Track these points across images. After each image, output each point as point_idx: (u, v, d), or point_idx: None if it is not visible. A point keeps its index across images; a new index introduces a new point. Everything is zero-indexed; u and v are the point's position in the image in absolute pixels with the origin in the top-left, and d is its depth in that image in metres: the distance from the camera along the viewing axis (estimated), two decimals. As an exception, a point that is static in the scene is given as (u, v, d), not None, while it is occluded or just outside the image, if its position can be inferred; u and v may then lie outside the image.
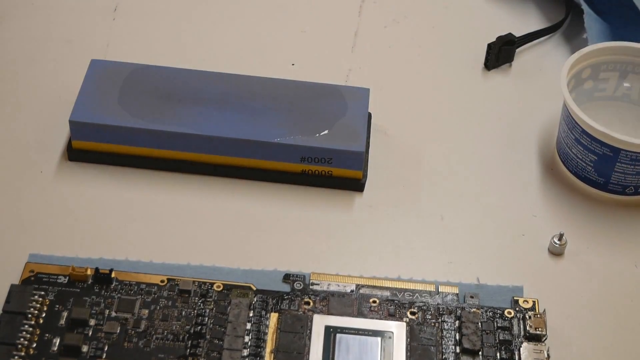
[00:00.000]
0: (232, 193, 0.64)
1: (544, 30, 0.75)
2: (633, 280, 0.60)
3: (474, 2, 0.78)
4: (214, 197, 0.64)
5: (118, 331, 0.54)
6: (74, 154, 0.65)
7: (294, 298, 0.57)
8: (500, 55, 0.72)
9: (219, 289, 0.57)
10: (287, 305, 0.56)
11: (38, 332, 0.54)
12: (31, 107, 0.68)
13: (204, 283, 0.57)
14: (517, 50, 0.73)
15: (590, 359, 0.56)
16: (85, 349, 0.53)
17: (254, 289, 0.57)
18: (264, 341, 0.54)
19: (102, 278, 0.57)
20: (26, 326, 0.54)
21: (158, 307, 0.56)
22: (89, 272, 0.57)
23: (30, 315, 0.54)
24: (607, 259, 0.61)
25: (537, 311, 0.57)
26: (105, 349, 0.54)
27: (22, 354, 0.53)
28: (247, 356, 0.54)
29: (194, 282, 0.57)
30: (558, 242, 0.61)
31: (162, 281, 0.57)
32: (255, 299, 0.56)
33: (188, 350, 0.54)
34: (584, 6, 0.73)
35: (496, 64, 0.73)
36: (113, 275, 0.57)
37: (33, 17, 0.74)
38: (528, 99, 0.71)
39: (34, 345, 0.53)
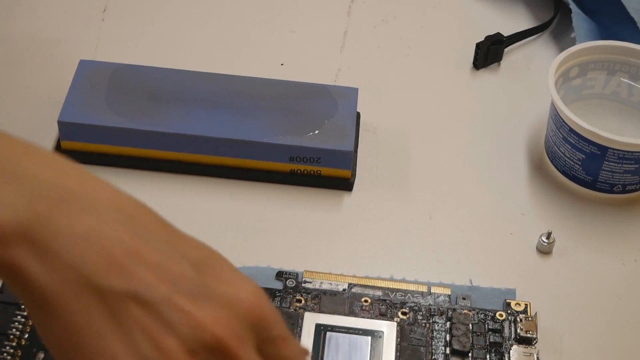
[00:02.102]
0: (221, 193, 0.64)
1: (533, 29, 0.75)
2: (621, 278, 0.61)
3: (462, 2, 0.78)
4: (203, 197, 0.64)
5: None
6: (63, 155, 0.64)
7: (286, 295, 0.57)
8: (488, 54, 0.73)
9: None
10: (278, 303, 0.56)
11: (30, 323, 0.54)
12: (20, 107, 0.68)
13: None
14: (506, 49, 0.74)
15: (578, 356, 0.56)
16: None
17: None
18: None
19: None
20: (19, 317, 0.54)
21: None
22: None
23: (23, 306, 0.54)
24: (595, 257, 0.62)
25: (529, 314, 0.57)
26: None
27: (14, 344, 0.53)
28: None
29: None
30: (546, 240, 0.61)
31: None
32: None
33: None
34: (572, 5, 0.73)
35: (485, 64, 0.73)
36: None
37: (22, 18, 0.74)
38: (516, 98, 0.71)
39: (26, 335, 0.53)
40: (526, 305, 0.57)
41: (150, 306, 0.39)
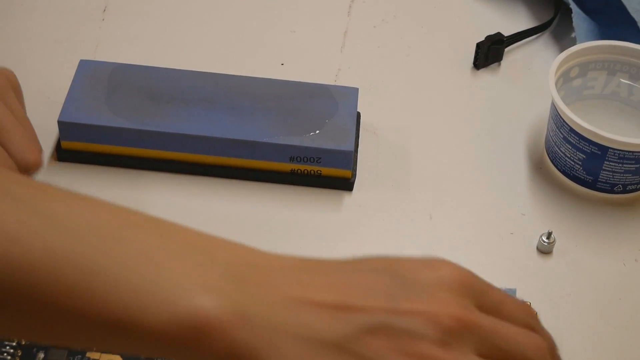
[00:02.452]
0: (221, 193, 0.64)
1: (533, 29, 0.75)
2: (621, 278, 0.61)
3: (462, 1, 0.78)
4: (203, 197, 0.64)
5: None
6: (63, 155, 0.65)
7: None
8: (489, 54, 0.73)
9: None
10: None
11: None
12: (20, 107, 0.68)
13: None
14: (506, 49, 0.74)
15: (578, 356, 0.56)
16: None
17: None
18: None
19: None
20: None
21: None
22: None
23: None
24: (596, 257, 0.62)
25: None
26: None
27: (14, 344, 0.53)
28: None
29: None
30: (546, 240, 0.61)
31: None
32: None
33: None
34: (573, 5, 0.73)
35: (485, 63, 0.73)
36: None
37: (21, 18, 0.74)
38: (517, 98, 0.71)
39: None
40: (527, 304, 0.57)
41: (382, 329, 0.39)
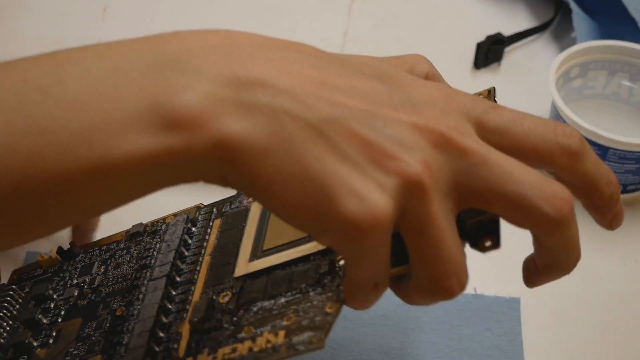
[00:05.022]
0: (221, 192, 0.64)
1: (533, 29, 0.75)
2: (622, 278, 0.60)
3: (462, 1, 0.78)
4: (203, 196, 0.63)
5: (75, 294, 0.52)
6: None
7: (239, 195, 0.53)
8: (489, 54, 0.73)
9: (170, 221, 0.54)
10: (229, 207, 0.53)
11: (10, 323, 0.52)
12: (20, 107, 0.68)
13: (157, 222, 0.54)
14: (506, 49, 0.74)
15: (579, 356, 0.56)
16: (45, 320, 0.51)
17: (202, 206, 0.54)
18: (204, 248, 0.51)
19: (67, 253, 0.55)
20: (4, 324, 0.52)
21: (114, 259, 0.53)
22: (53, 254, 0.55)
23: (6, 311, 0.52)
24: (596, 257, 0.61)
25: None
26: (62, 313, 0.52)
27: None
28: (186, 266, 0.50)
29: (146, 225, 0.54)
30: (546, 240, 0.61)
31: (121, 235, 0.55)
32: (198, 215, 0.53)
33: (130, 282, 0.51)
34: (573, 5, 0.73)
35: (485, 63, 0.73)
36: (77, 249, 0.55)
37: (22, 18, 0.74)
38: (517, 98, 0.71)
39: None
40: (489, 91, 0.48)
41: (364, 129, 0.36)
